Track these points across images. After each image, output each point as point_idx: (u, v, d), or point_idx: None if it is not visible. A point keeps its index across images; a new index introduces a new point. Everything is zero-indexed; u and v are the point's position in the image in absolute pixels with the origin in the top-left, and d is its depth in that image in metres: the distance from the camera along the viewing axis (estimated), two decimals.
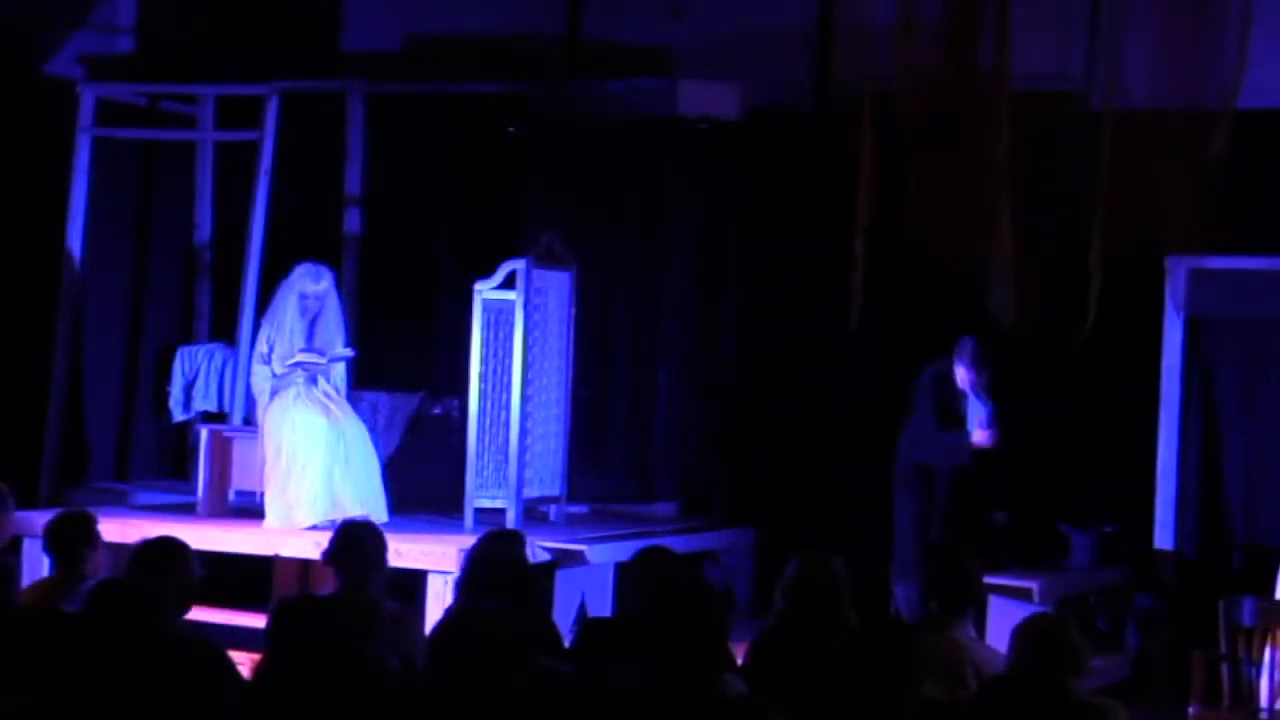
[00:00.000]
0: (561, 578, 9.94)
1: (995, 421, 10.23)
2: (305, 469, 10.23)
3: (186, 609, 6.46)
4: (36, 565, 9.34)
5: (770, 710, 5.10)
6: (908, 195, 10.56)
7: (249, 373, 10.84)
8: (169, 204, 13.06)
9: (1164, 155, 10.30)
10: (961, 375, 10.31)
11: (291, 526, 10.19)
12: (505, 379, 10.69)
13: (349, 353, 10.59)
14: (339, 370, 10.62)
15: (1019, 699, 4.49)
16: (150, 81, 12.99)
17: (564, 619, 9.42)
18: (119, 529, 9.59)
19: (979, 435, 10.18)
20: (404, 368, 12.02)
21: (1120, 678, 9.84)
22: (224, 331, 12.54)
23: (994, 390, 10.28)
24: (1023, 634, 5.95)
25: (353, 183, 12.53)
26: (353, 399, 10.89)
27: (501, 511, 10.57)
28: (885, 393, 11.05)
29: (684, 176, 11.50)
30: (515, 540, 7.46)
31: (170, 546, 6.70)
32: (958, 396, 10.33)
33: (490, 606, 6.31)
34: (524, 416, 10.66)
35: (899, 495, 10.35)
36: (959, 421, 10.29)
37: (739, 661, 6.72)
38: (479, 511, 10.62)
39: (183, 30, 13.09)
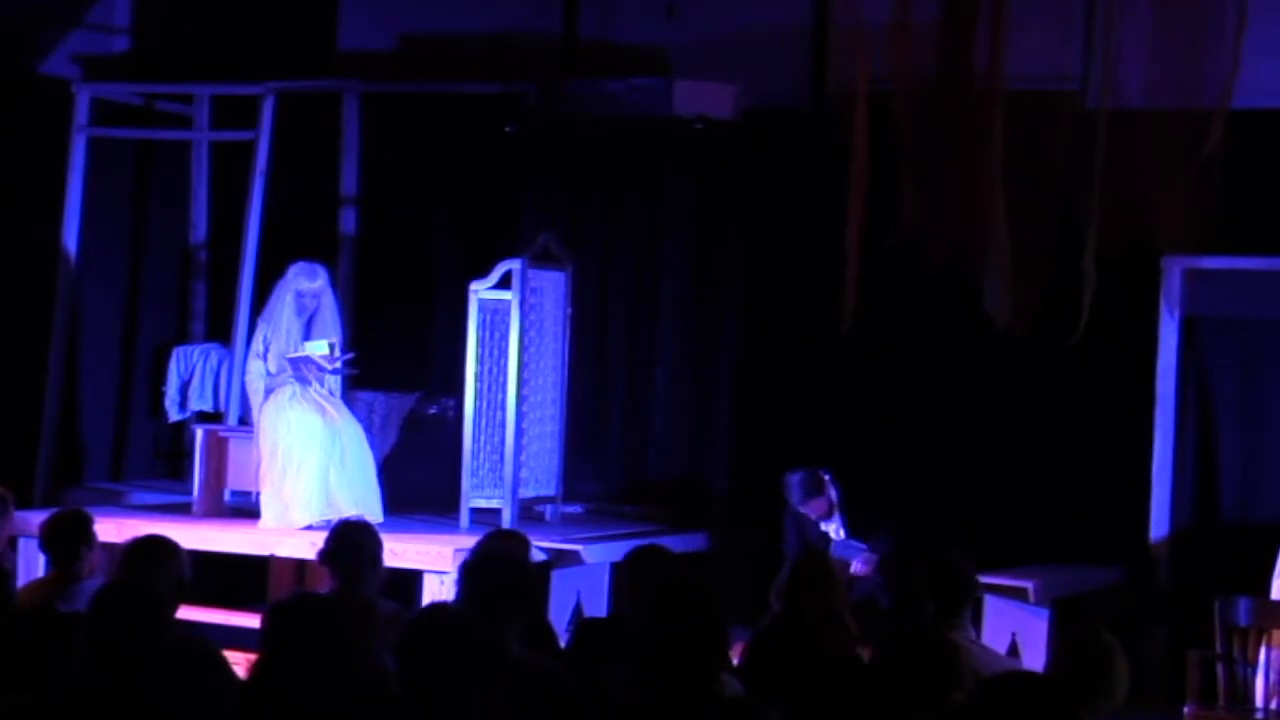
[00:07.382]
0: (557, 578, 9.94)
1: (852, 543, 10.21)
2: (301, 469, 10.22)
3: (175, 608, 6.46)
4: (33, 565, 9.35)
5: (767, 710, 5.10)
6: (903, 195, 10.56)
7: (244, 372, 10.83)
8: (164, 204, 13.05)
9: (1159, 155, 10.30)
10: (815, 508, 10.26)
11: (287, 526, 10.17)
12: (501, 379, 10.69)
13: (348, 356, 10.56)
14: None
15: (1020, 701, 4.47)
16: (145, 81, 12.99)
17: (560, 619, 9.43)
18: (115, 529, 9.57)
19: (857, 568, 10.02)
20: (400, 367, 12.01)
21: None
22: (219, 331, 12.53)
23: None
24: (1072, 647, 5.83)
25: (348, 183, 12.54)
26: (349, 399, 10.89)
27: (497, 511, 10.56)
28: (881, 392, 11.06)
29: (680, 176, 11.49)
30: (518, 541, 7.46)
31: (159, 545, 6.70)
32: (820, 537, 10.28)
33: (456, 609, 6.27)
34: (520, 416, 10.65)
35: None
36: None
37: (735, 661, 6.72)
38: (475, 511, 10.61)
39: (178, 30, 13.09)
